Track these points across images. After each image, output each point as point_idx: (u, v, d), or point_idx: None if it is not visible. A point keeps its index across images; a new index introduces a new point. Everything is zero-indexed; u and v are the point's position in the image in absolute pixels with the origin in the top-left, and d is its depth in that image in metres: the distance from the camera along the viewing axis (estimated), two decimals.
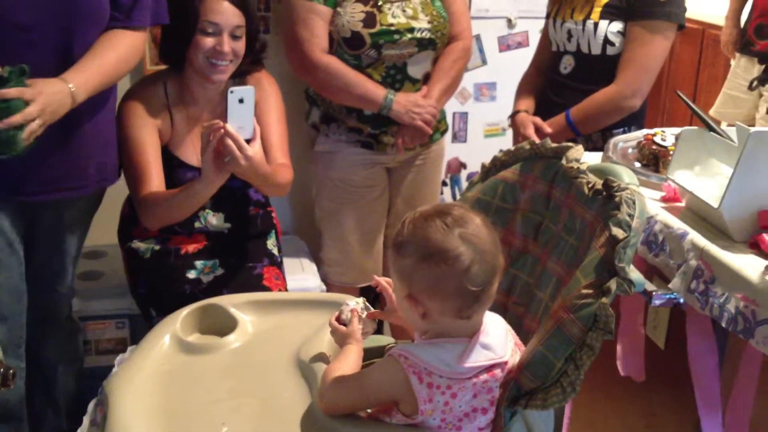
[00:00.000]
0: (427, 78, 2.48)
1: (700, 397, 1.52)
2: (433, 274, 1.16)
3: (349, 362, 1.29)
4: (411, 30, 2.39)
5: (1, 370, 1.21)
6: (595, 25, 2.29)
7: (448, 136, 3.22)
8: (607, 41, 2.29)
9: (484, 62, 3.21)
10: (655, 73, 2.31)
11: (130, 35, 1.95)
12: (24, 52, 1.75)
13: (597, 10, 2.30)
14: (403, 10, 2.39)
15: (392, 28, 2.37)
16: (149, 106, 2.13)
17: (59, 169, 1.92)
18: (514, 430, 1.24)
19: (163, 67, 2.25)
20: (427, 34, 2.41)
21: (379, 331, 1.49)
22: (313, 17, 2.36)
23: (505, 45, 3.21)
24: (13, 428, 2.07)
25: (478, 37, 3.18)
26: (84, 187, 2.00)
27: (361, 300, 1.40)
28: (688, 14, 3.66)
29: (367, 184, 2.56)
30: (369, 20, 2.36)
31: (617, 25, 2.28)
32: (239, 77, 2.20)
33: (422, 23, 2.41)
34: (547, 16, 2.51)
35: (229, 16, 2.07)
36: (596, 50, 2.31)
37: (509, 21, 3.19)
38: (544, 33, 2.54)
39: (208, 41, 2.05)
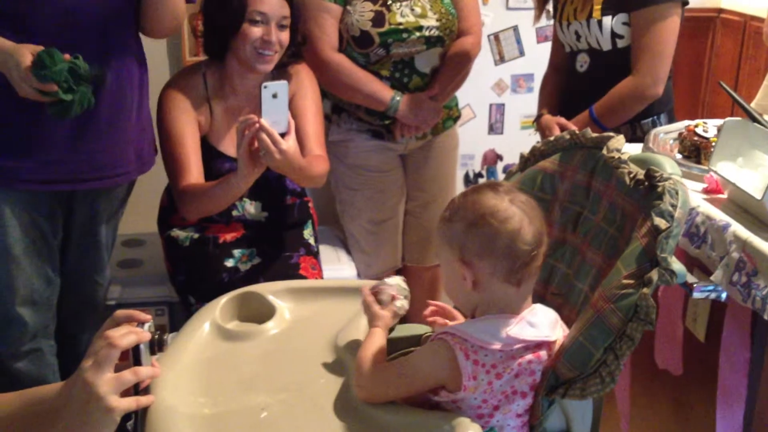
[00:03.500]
0: (435, 71, 2.50)
1: (723, 389, 1.50)
2: (485, 233, 1.19)
3: (377, 349, 1.29)
4: (419, 28, 2.40)
5: (156, 336, 1.24)
6: (599, 22, 2.27)
7: (485, 127, 3.22)
8: (614, 35, 2.26)
9: (521, 53, 3.19)
10: (670, 55, 2.27)
11: None
12: (67, 33, 1.81)
13: (597, 8, 2.27)
14: (412, 9, 2.40)
15: (401, 27, 2.38)
16: (189, 97, 2.15)
17: (104, 156, 1.96)
18: (552, 419, 1.24)
19: (201, 58, 2.27)
20: (435, 32, 2.43)
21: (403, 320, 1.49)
22: (324, 15, 2.38)
23: (542, 36, 3.18)
24: None
25: (515, 29, 3.16)
26: (126, 173, 2.04)
27: (403, 284, 1.40)
28: (730, 6, 3.62)
29: (382, 168, 2.58)
30: (378, 19, 2.37)
31: (621, 17, 2.25)
32: (279, 69, 2.21)
33: (431, 21, 2.42)
34: (553, 19, 2.49)
35: (276, 6, 2.08)
36: (606, 46, 2.29)
37: (548, 11, 3.16)
38: (555, 35, 2.53)
39: (256, 31, 2.07)
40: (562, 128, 2.35)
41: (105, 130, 1.93)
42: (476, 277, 1.21)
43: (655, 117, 2.32)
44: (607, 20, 2.25)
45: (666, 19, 2.22)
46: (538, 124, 2.48)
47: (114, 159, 1.99)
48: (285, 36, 2.12)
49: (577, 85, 2.42)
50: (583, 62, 2.37)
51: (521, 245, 1.19)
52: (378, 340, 1.31)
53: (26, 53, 1.70)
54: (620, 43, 2.27)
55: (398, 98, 2.43)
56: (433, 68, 2.50)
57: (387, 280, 1.39)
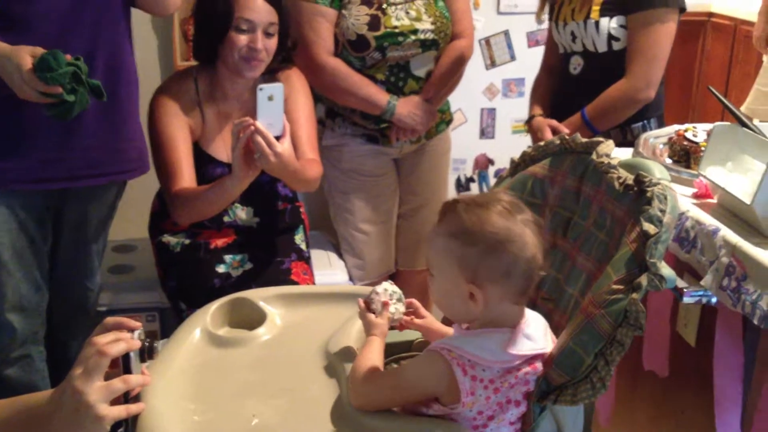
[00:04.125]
0: (429, 75, 2.52)
1: (720, 395, 1.51)
2: (504, 261, 1.17)
3: (375, 357, 1.29)
4: (415, 32, 2.41)
5: (146, 344, 1.23)
6: (597, 23, 2.28)
7: (476, 132, 3.23)
8: (611, 37, 2.28)
9: (512, 58, 3.20)
10: (664, 60, 2.29)
11: None
12: (60, 33, 1.81)
13: (596, 8, 2.29)
14: (407, 12, 2.41)
15: (396, 30, 2.39)
16: (180, 102, 2.15)
17: (99, 153, 1.96)
18: (543, 425, 1.24)
19: (192, 63, 2.27)
20: (430, 35, 2.44)
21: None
22: (319, 19, 2.38)
23: (533, 40, 3.19)
24: None
25: (506, 33, 3.16)
26: (127, 171, 2.05)
27: (391, 288, 1.39)
28: (720, 10, 3.63)
29: (376, 173, 2.59)
30: (373, 23, 2.38)
31: (618, 20, 2.26)
32: (270, 74, 2.21)
33: (425, 24, 2.43)
34: (549, 19, 2.50)
35: (263, 13, 2.08)
36: (602, 47, 2.30)
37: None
38: (549, 36, 2.54)
39: (242, 38, 2.07)
40: (554, 130, 2.36)
41: (98, 127, 1.93)
42: (487, 299, 1.19)
43: (646, 121, 2.33)
44: (605, 21, 2.26)
45: (663, 24, 2.24)
46: (530, 126, 2.49)
47: (111, 156, 1.99)
48: (272, 43, 2.12)
49: (569, 87, 2.43)
50: (576, 64, 2.38)
51: (536, 270, 1.19)
52: (375, 348, 1.30)
53: (25, 56, 1.70)
54: (616, 46, 2.28)
55: (394, 102, 2.43)
56: (427, 71, 2.51)
57: (377, 288, 1.39)
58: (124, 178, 2.09)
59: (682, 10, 2.29)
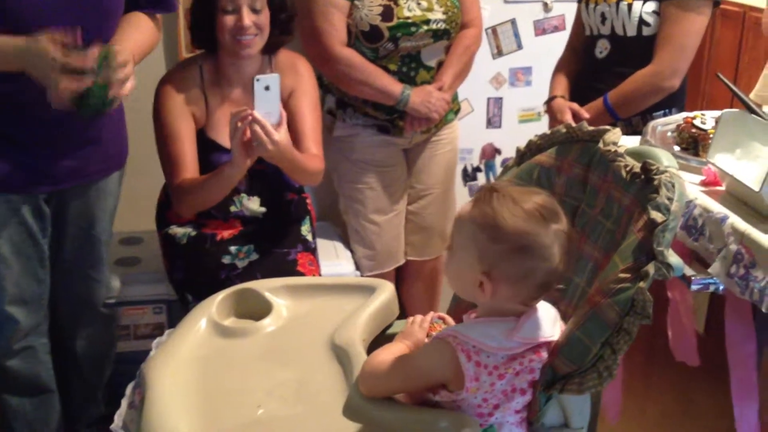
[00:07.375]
0: (440, 65, 2.52)
1: (736, 384, 1.50)
2: (524, 266, 1.16)
3: (392, 352, 1.29)
4: (427, 22, 2.42)
5: None
6: (629, 6, 2.26)
7: (483, 121, 3.21)
8: (642, 22, 2.26)
9: (519, 47, 3.18)
10: (693, 51, 2.28)
11: (150, 21, 2.01)
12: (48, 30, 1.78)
13: None
14: (418, 3, 2.42)
15: (409, 20, 2.40)
16: (184, 90, 2.16)
17: (85, 153, 1.95)
18: (549, 414, 1.24)
19: (197, 53, 2.27)
20: (442, 25, 2.44)
21: (401, 316, 1.49)
22: (333, 10, 2.38)
23: (540, 29, 3.16)
24: (46, 400, 2.14)
25: (513, 21, 3.14)
26: (107, 169, 2.04)
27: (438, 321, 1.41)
28: None
29: (387, 163, 2.59)
30: (387, 14, 2.38)
31: (651, 5, 2.25)
32: (272, 50, 2.21)
33: (437, 14, 2.43)
34: (579, 1, 2.48)
35: None
36: (631, 32, 2.28)
37: (545, 4, 3.15)
38: (577, 17, 2.52)
39: (229, 19, 2.08)
40: (574, 114, 2.34)
41: (83, 128, 1.92)
42: (496, 293, 1.18)
43: (668, 110, 2.31)
44: (638, 5, 2.25)
45: (697, 14, 2.23)
46: (549, 107, 2.47)
47: (95, 155, 1.98)
48: (262, 18, 2.11)
49: (594, 70, 2.41)
50: (603, 48, 2.36)
51: (554, 282, 1.19)
52: (396, 348, 1.30)
53: (50, 44, 1.65)
54: (645, 31, 2.27)
55: (408, 92, 2.43)
56: (438, 61, 2.52)
57: (438, 320, 1.41)
58: (110, 173, 2.07)
59: (717, 3, 2.28)
